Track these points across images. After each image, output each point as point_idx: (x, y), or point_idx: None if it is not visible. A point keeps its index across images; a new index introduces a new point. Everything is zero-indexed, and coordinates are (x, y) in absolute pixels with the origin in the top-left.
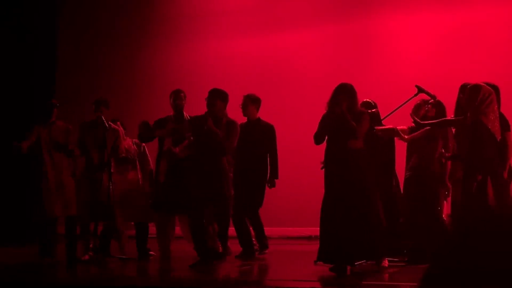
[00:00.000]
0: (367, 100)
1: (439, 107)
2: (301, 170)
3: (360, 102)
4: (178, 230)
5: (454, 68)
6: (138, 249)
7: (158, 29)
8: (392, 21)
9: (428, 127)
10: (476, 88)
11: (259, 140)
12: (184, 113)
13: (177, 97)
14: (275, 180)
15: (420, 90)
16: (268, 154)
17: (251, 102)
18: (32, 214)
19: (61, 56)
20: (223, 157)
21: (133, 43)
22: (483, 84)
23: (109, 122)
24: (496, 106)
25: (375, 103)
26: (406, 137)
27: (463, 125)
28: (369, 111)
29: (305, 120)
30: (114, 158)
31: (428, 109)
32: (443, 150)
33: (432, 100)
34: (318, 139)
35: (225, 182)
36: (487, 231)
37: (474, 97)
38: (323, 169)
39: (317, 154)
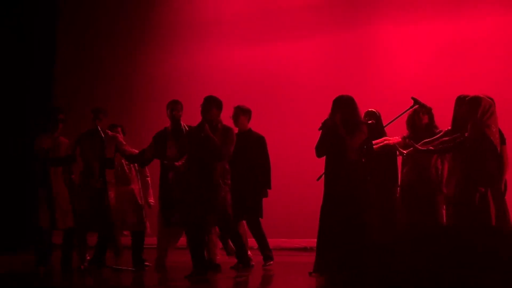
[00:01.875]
0: (371, 110)
1: (430, 114)
2: (296, 181)
3: (364, 112)
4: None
5: (451, 80)
6: (133, 259)
7: (157, 31)
8: (389, 32)
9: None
10: (476, 100)
11: (250, 151)
12: (182, 123)
13: (174, 108)
14: (268, 190)
15: (416, 102)
16: (260, 165)
17: (242, 113)
18: (34, 224)
19: (61, 57)
20: (219, 162)
21: (132, 44)
22: (483, 96)
23: (106, 131)
24: (497, 118)
25: (379, 113)
26: (404, 152)
27: (463, 137)
28: (369, 122)
29: (301, 131)
30: (128, 160)
31: (420, 117)
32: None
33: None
34: (317, 151)
35: (221, 190)
36: (488, 245)
37: (474, 109)
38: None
39: (312, 165)
